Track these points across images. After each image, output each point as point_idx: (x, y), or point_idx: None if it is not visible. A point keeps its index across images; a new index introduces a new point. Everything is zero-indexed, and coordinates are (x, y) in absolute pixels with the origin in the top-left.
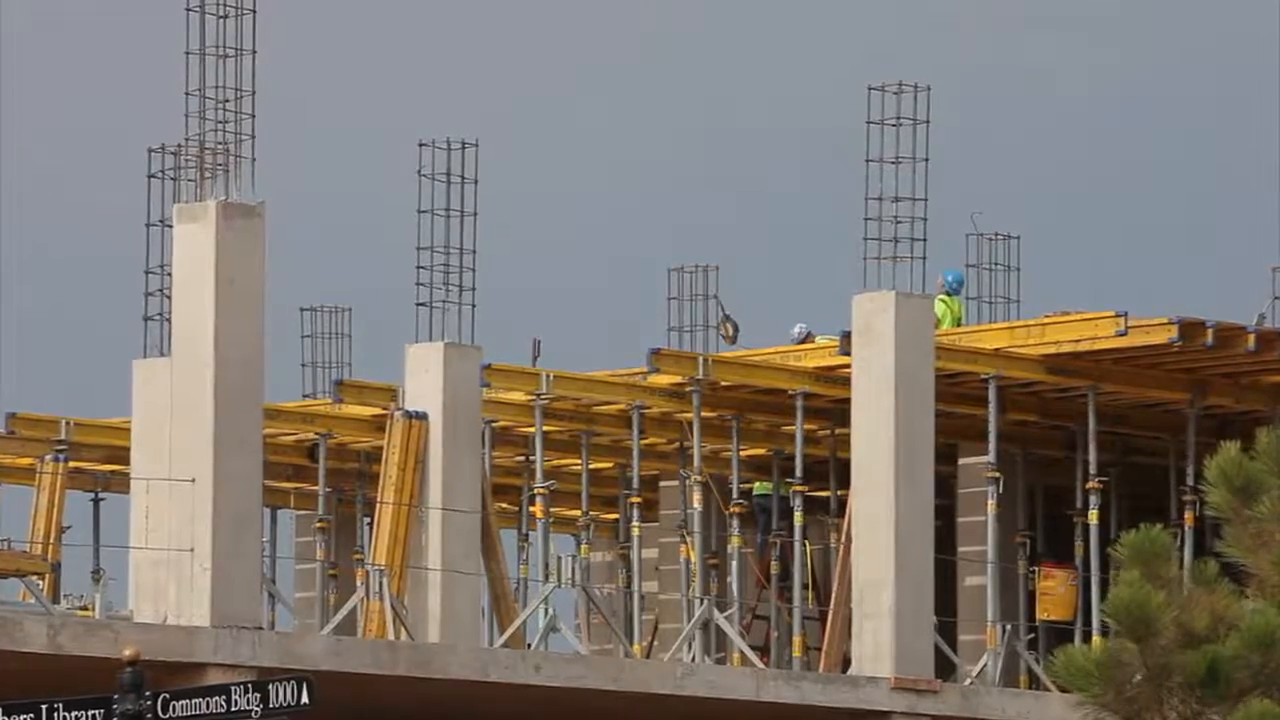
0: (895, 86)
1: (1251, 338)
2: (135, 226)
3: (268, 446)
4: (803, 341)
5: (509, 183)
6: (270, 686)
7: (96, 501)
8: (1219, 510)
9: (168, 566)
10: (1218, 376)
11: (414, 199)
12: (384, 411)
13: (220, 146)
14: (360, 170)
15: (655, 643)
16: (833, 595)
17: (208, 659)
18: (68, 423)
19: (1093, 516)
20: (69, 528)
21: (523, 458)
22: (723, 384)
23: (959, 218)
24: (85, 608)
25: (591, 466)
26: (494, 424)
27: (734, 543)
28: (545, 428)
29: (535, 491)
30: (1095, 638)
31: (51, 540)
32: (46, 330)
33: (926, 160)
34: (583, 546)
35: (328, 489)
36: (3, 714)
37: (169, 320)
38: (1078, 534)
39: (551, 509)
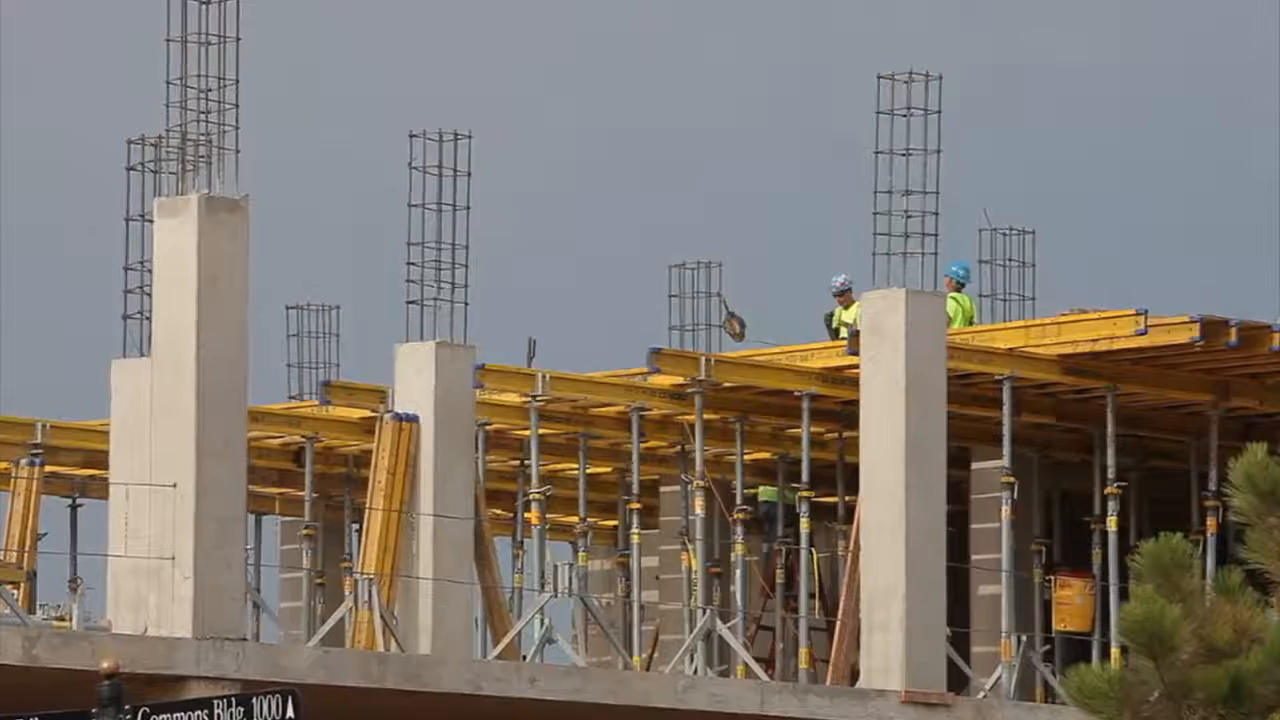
0: (905, 75)
1: (1277, 337)
2: (114, 221)
3: (252, 450)
4: (841, 294)
5: (503, 176)
6: (254, 700)
7: (74, 507)
8: (1243, 515)
9: (148, 575)
10: (1241, 377)
11: (405, 192)
12: (373, 414)
13: (202, 138)
14: (348, 163)
15: (656, 654)
16: (840, 605)
17: (189, 671)
18: (43, 425)
19: (1111, 523)
20: (45, 534)
21: (518, 462)
22: (726, 385)
23: (971, 212)
24: (62, 618)
25: (589, 471)
26: (488, 427)
27: (738, 550)
28: (541, 430)
29: (531, 497)
30: (1114, 650)
31: (26, 547)
32: (21, 329)
33: (939, 152)
34: (580, 554)
35: (314, 494)
36: None
37: (149, 319)
38: (1096, 541)
39: (547, 515)
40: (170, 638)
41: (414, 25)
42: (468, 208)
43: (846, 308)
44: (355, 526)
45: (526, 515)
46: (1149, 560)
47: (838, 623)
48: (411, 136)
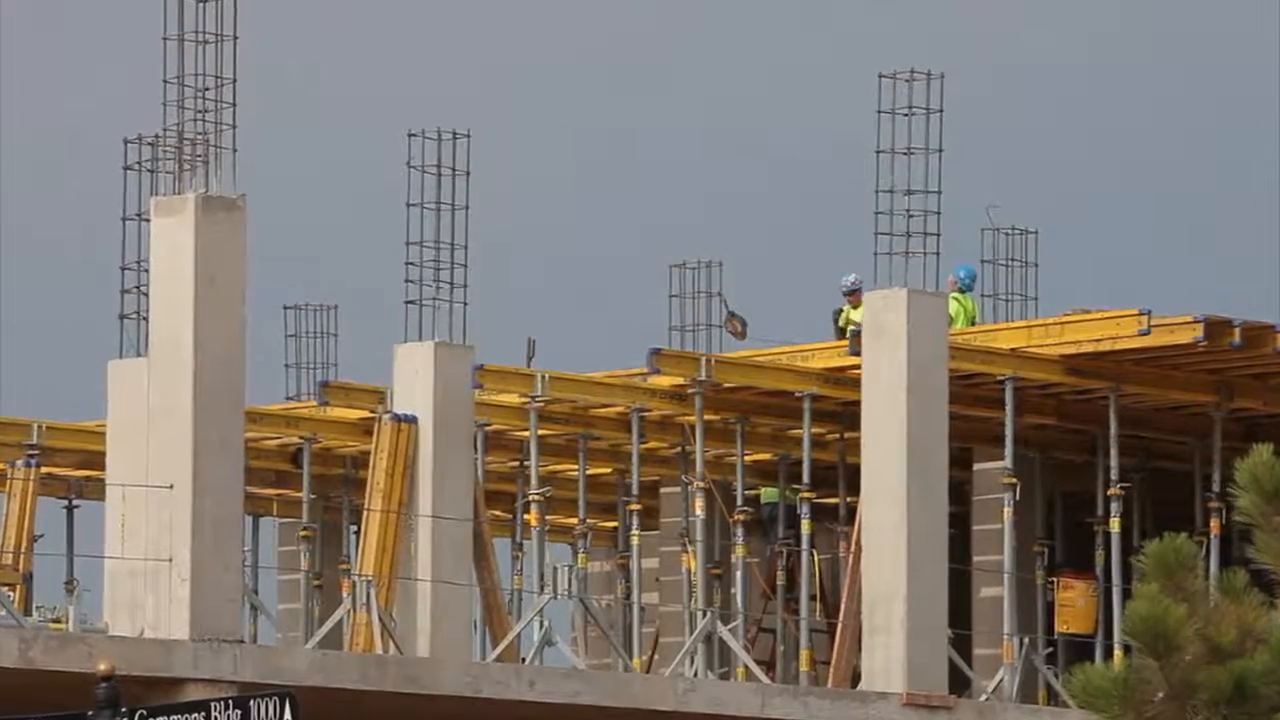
0: (907, 74)
1: None
2: (111, 220)
3: (249, 451)
4: (851, 293)
5: (502, 175)
6: (252, 703)
7: (70, 509)
8: (1248, 515)
9: (145, 577)
10: (1245, 378)
11: (403, 192)
12: (372, 414)
13: (200, 137)
14: (347, 162)
15: (656, 657)
16: (841, 607)
17: (187, 674)
18: (40, 426)
19: (1114, 524)
20: (41, 536)
21: (517, 463)
22: (726, 385)
23: (974, 211)
24: (58, 620)
25: (589, 472)
26: (487, 427)
27: (738, 552)
28: (541, 431)
29: (530, 498)
30: (1117, 652)
31: (23, 549)
32: (17, 329)
33: (940, 151)
34: (580, 556)
35: (312, 496)
36: None
37: (146, 319)
38: (1098, 542)
39: (547, 516)
40: (167, 640)
41: (414, 25)
42: (466, 207)
43: (856, 307)
44: (353, 528)
45: (526, 516)
46: (1153, 560)
47: (839, 625)
48: (410, 135)
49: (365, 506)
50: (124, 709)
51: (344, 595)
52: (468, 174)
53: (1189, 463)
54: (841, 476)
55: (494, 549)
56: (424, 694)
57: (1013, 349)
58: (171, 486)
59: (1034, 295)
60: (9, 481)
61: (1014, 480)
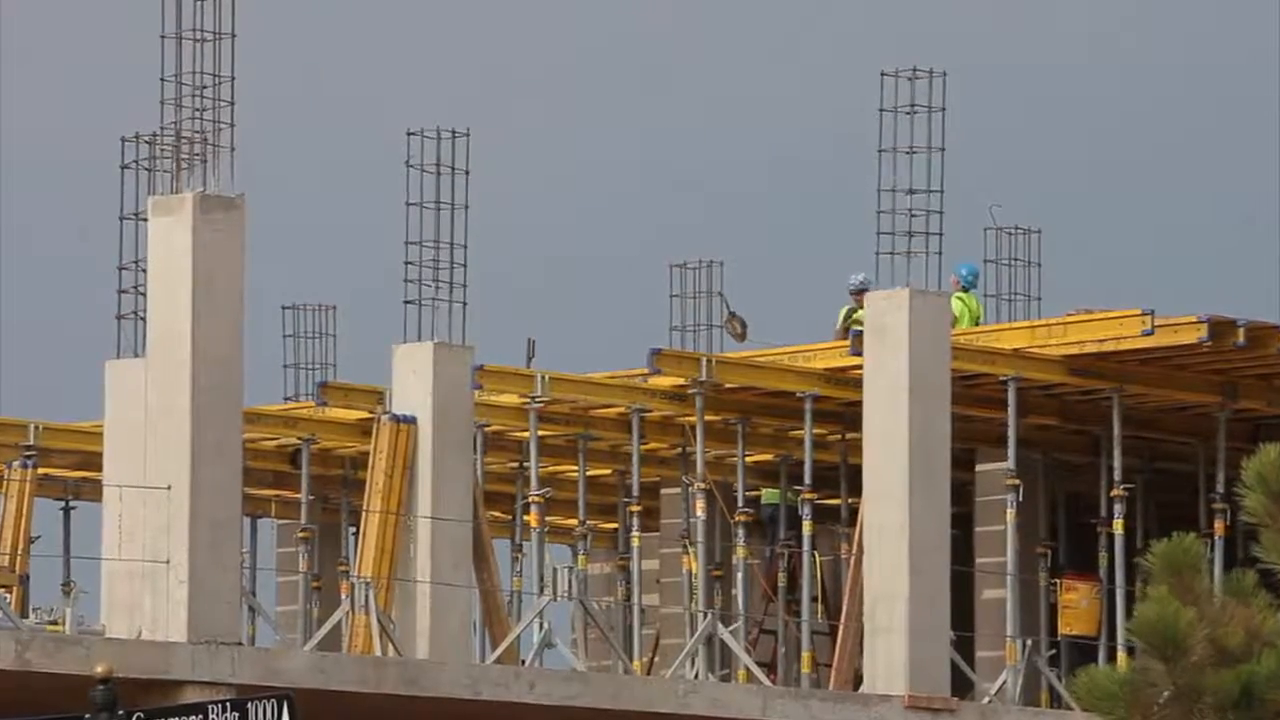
0: (909, 72)
1: None
2: (108, 219)
3: (248, 452)
4: (859, 293)
5: (502, 174)
6: (250, 705)
7: (67, 510)
8: (1255, 516)
9: (142, 578)
10: (1249, 378)
11: (402, 191)
12: (370, 415)
13: (198, 135)
14: (345, 161)
15: (656, 659)
16: (843, 609)
17: (184, 676)
18: (36, 426)
19: (1118, 526)
20: (38, 537)
21: (516, 464)
22: (727, 386)
23: (977, 211)
24: (55, 622)
25: (589, 473)
26: (486, 428)
27: (739, 553)
28: (540, 432)
29: (530, 499)
30: (1120, 654)
31: (19, 551)
32: (14, 329)
33: (943, 150)
34: (580, 557)
35: (311, 497)
36: None
37: (143, 319)
38: (1102, 544)
39: (547, 518)
40: (165, 642)
41: (413, 23)
42: (466, 206)
43: (863, 306)
44: (352, 529)
45: (526, 518)
46: (1161, 561)
47: (840, 626)
48: (409, 134)
49: (364, 508)
50: (121, 711)
51: (343, 597)
52: (467, 173)
53: (1193, 464)
54: (843, 477)
55: (494, 550)
56: (423, 696)
57: (1015, 349)
58: (169, 488)
59: (1037, 295)
60: (6, 482)
61: (1017, 481)
